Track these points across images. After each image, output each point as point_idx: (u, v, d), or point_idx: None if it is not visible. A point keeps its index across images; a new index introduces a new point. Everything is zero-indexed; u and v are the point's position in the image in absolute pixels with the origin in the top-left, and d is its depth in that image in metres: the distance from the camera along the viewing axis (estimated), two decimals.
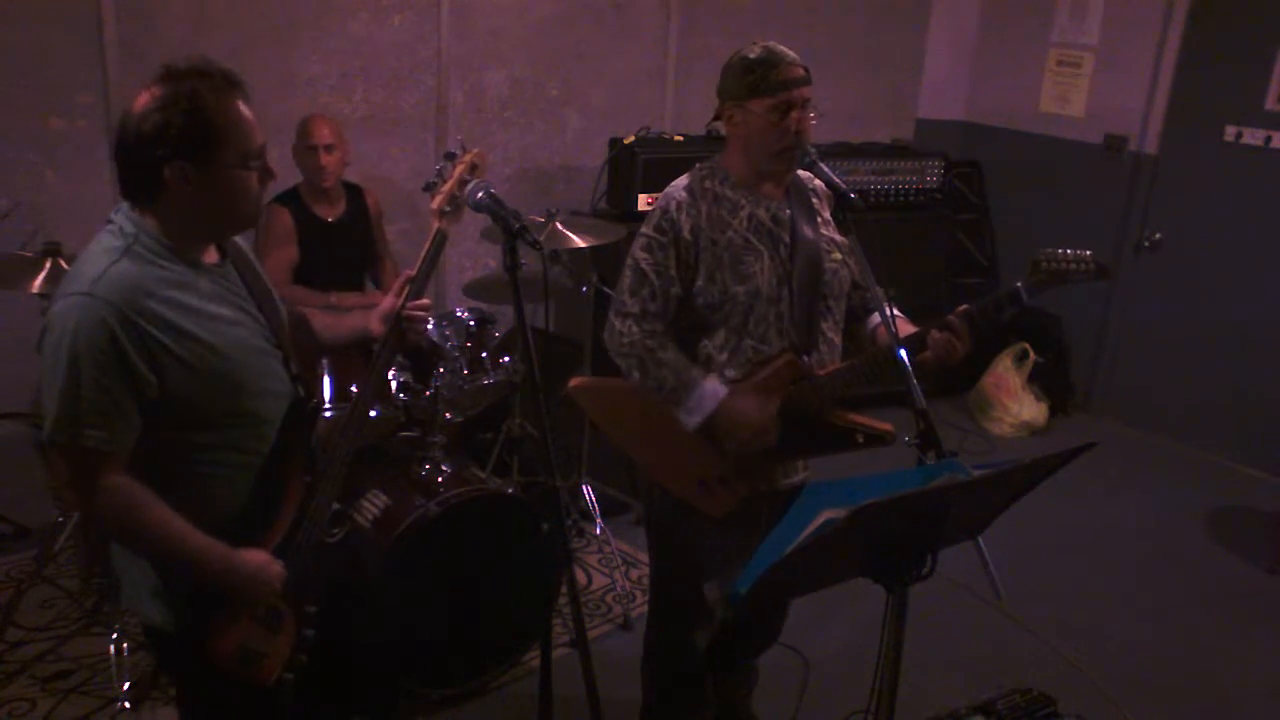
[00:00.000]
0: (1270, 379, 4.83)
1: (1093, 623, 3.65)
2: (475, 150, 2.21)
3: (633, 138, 4.62)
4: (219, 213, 1.82)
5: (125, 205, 1.81)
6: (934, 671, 3.14)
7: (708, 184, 2.35)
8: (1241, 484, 4.84)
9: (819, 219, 2.41)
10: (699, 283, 2.32)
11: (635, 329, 2.33)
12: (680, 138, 4.74)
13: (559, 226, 3.66)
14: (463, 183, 2.17)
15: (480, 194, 2.14)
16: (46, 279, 2.94)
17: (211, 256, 1.90)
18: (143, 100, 1.74)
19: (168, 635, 1.94)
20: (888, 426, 2.34)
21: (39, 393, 1.79)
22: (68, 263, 2.94)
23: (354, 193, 3.87)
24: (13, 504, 3.72)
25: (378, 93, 4.30)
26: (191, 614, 1.89)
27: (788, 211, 2.36)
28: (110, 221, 1.81)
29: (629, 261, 2.37)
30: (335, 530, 2.05)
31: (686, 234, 2.30)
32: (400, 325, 2.12)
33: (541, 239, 3.13)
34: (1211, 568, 4.10)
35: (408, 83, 4.36)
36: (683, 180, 2.39)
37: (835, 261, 2.40)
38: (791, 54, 2.29)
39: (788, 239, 2.34)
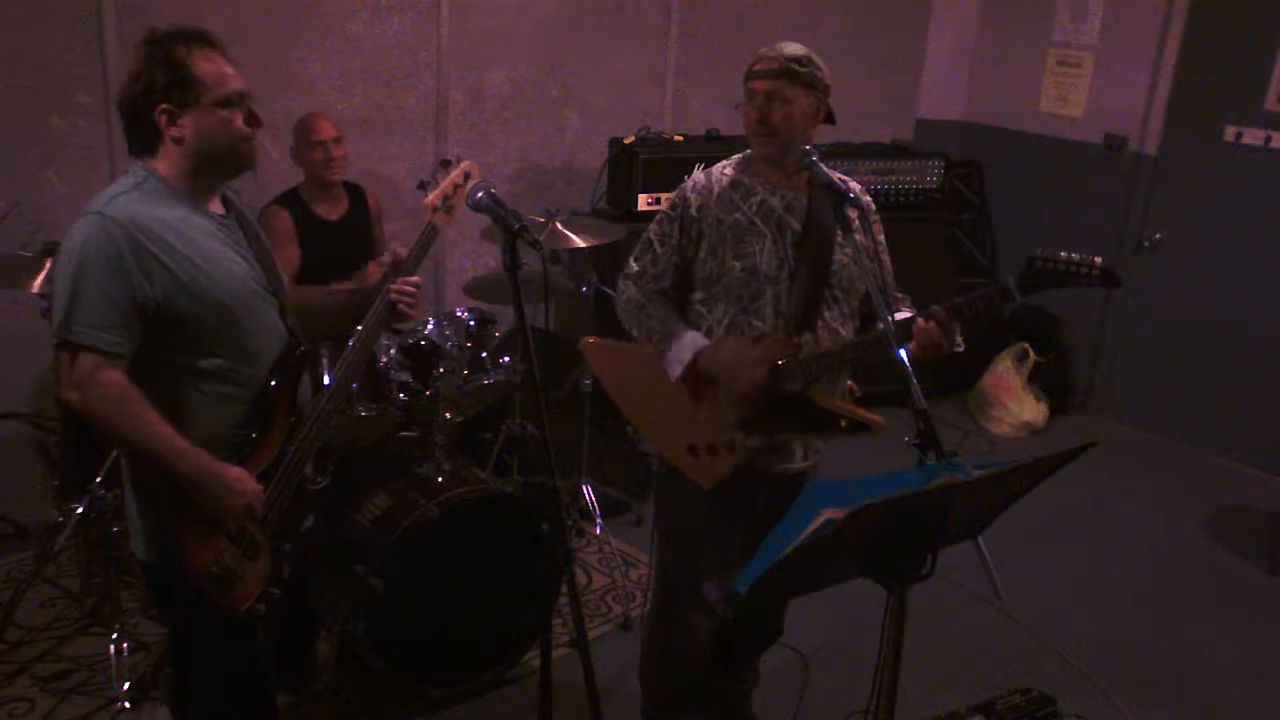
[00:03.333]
0: (1270, 379, 4.83)
1: (1093, 622, 3.65)
2: (470, 161, 2.34)
3: (633, 138, 4.62)
4: (211, 151, 1.98)
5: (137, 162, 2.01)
6: (934, 671, 3.14)
7: (729, 170, 2.48)
8: (1241, 484, 4.84)
9: (843, 216, 2.42)
10: (700, 255, 2.43)
11: (632, 287, 2.50)
12: (680, 138, 4.74)
13: (559, 226, 3.66)
14: (456, 186, 2.28)
15: (480, 194, 2.18)
16: (46, 279, 2.94)
17: (217, 208, 2.07)
18: (132, 65, 1.97)
19: (156, 567, 2.09)
20: (876, 417, 2.34)
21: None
22: None
23: (355, 192, 3.87)
24: (13, 504, 3.72)
25: (378, 93, 4.29)
26: (169, 529, 2.00)
27: (805, 202, 2.42)
28: (125, 173, 2.00)
29: (642, 234, 2.53)
30: (320, 479, 2.16)
31: (693, 210, 2.44)
32: (388, 298, 2.20)
33: (541, 239, 3.13)
34: (1211, 568, 4.11)
35: (407, 83, 4.35)
36: (716, 165, 2.51)
37: (847, 255, 2.42)
38: (778, 49, 2.36)
39: (798, 226, 2.40)
